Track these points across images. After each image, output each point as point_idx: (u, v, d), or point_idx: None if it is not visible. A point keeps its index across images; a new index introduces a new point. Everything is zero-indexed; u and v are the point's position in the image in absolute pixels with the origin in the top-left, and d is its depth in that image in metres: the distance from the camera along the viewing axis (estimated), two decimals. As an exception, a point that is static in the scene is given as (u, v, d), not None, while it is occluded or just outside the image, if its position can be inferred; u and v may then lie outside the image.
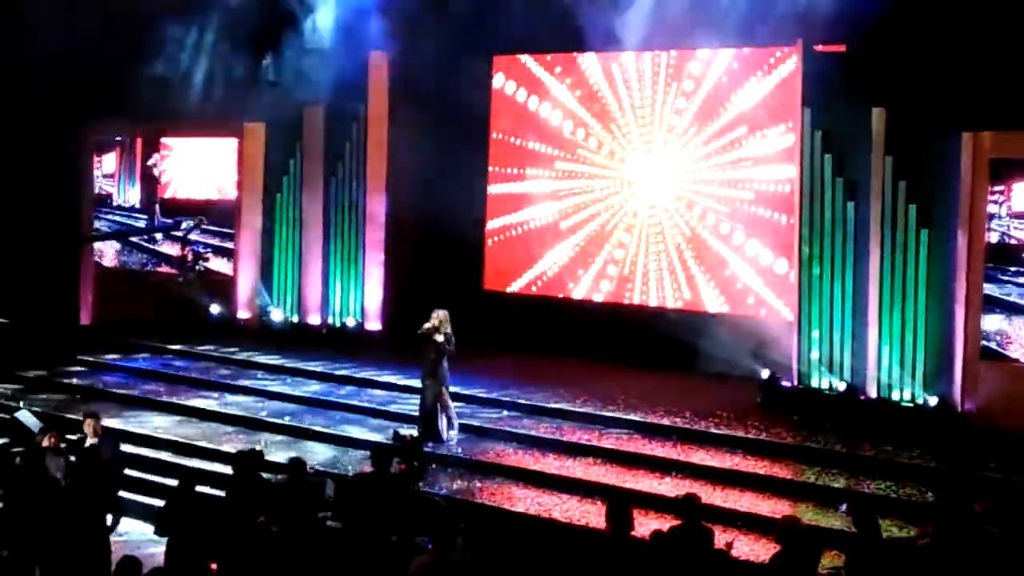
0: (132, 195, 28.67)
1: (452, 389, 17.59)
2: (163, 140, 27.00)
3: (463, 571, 10.39)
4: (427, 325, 17.31)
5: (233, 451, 16.66)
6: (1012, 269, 19.58)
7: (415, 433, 16.77)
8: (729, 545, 11.33)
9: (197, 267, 23.59)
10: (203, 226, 25.51)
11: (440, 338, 17.23)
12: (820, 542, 11.46)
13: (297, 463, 12.91)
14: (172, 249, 26.94)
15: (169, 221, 26.38)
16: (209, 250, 26.03)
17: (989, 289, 18.06)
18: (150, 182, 27.52)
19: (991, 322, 18.42)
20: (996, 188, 18.52)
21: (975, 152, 17.21)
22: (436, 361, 17.23)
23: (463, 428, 17.75)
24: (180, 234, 25.76)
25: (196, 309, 24.55)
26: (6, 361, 21.87)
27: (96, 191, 26.90)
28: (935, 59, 17.25)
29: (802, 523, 11.18)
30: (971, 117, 17.13)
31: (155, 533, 12.40)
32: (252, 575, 9.85)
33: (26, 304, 23.78)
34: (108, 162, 28.59)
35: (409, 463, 13.26)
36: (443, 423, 17.30)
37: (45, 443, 13.79)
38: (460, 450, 16.95)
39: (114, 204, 28.88)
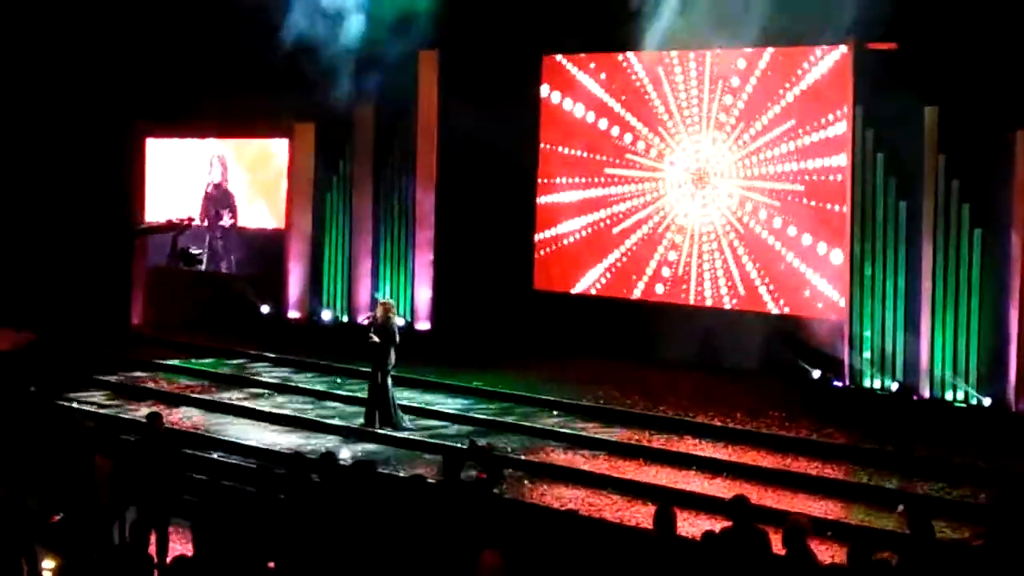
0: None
1: (503, 390, 17.60)
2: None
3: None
4: (381, 314, 18.01)
5: (286, 451, 16.80)
6: None
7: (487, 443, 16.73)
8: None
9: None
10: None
11: (398, 323, 18.04)
12: (871, 543, 11.37)
13: (328, 458, 12.92)
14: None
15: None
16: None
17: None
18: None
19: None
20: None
21: (1030, 150, 17.06)
22: (390, 348, 17.77)
23: (515, 429, 17.76)
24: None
25: (246, 308, 24.59)
26: (61, 368, 21.67)
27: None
28: (988, 55, 17.09)
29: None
30: (1025, 114, 16.99)
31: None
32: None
33: (78, 305, 23.92)
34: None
35: (487, 470, 13.17)
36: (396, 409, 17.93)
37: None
38: (510, 450, 16.95)
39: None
